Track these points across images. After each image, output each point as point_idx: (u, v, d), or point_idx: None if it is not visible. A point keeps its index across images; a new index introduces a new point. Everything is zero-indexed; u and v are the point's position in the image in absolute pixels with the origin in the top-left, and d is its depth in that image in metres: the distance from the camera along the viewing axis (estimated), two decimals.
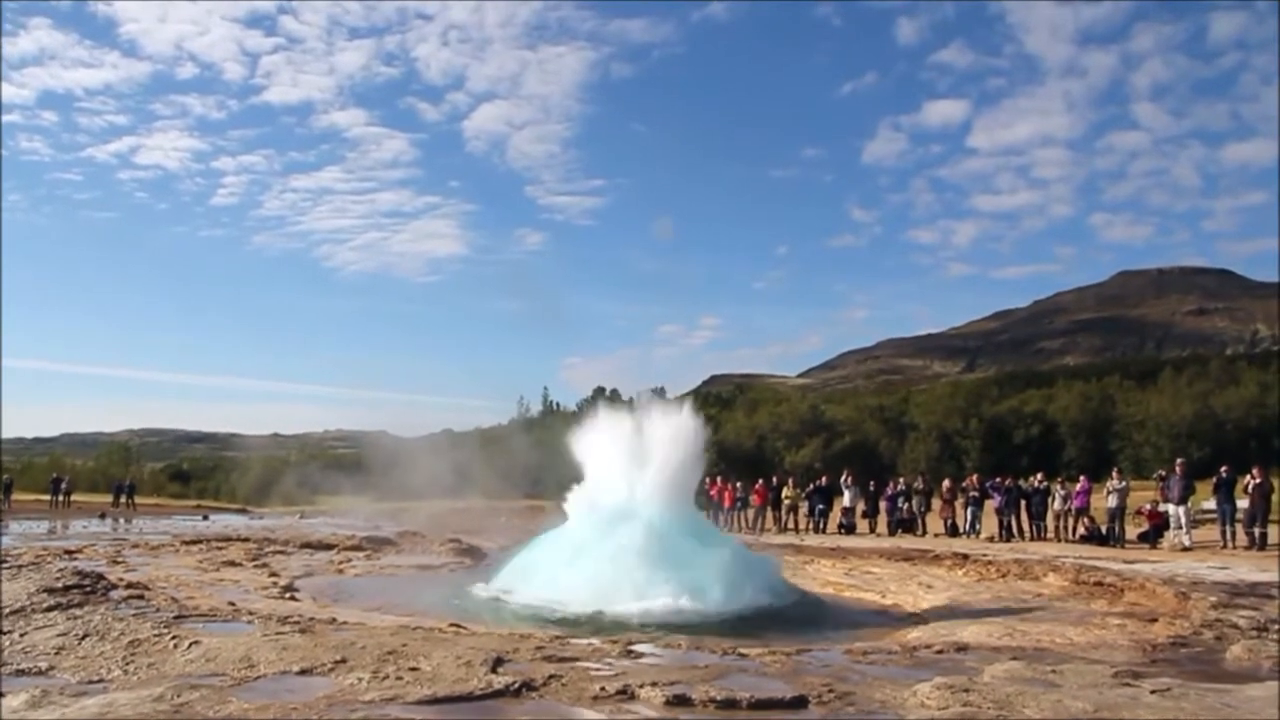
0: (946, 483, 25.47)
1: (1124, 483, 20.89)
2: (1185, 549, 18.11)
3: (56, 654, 6.73)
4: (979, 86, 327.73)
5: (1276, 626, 8.87)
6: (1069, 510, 21.54)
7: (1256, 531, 18.15)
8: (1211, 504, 23.10)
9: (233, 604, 10.01)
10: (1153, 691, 5.89)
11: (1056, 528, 21.59)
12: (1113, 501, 20.43)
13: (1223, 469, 19.45)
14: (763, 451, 58.94)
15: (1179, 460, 21.65)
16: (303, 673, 6.20)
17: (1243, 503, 19.03)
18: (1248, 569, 14.39)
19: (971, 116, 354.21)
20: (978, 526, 22.81)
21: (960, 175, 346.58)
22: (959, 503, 23.90)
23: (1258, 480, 18.55)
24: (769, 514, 26.73)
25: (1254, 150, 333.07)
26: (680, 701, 5.48)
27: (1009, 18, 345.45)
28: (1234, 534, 18.70)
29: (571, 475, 14.09)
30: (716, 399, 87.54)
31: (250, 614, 8.87)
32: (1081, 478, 22.90)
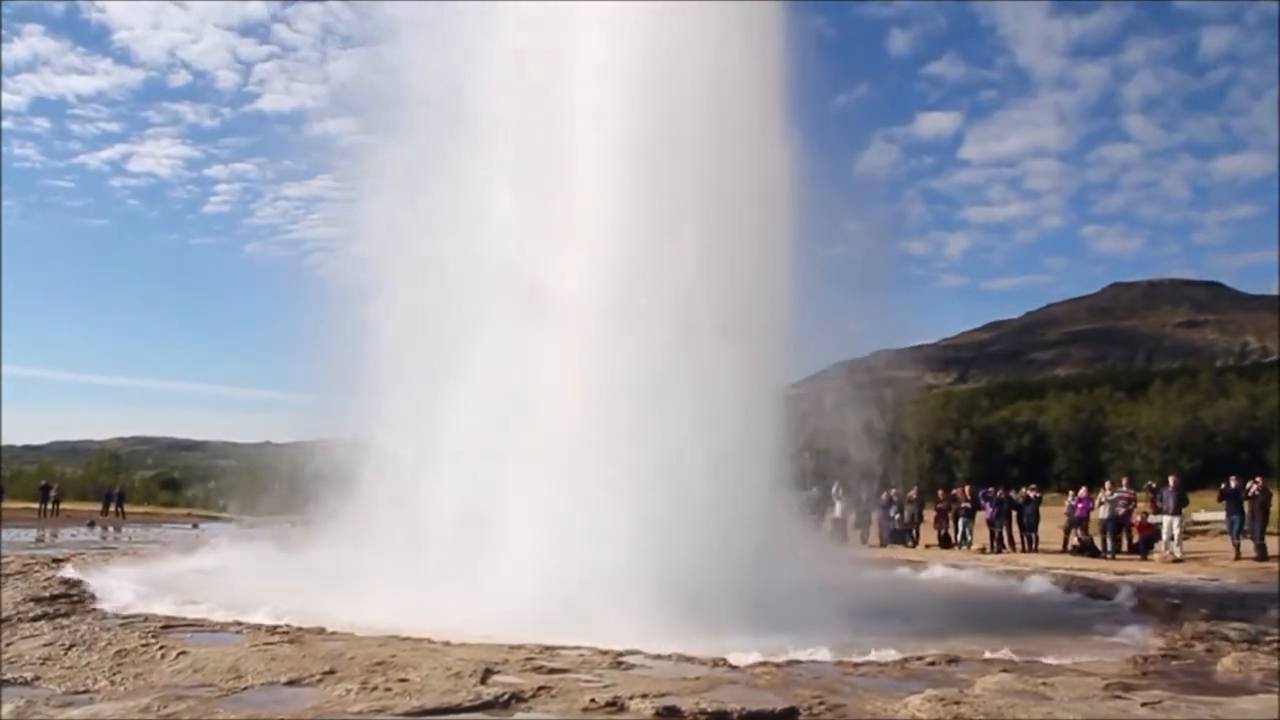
0: (941, 493, 25.40)
1: (1116, 493, 20.76)
2: (1176, 560, 18.12)
3: (42, 664, 6.67)
4: (971, 98, 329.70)
5: (1268, 638, 8.88)
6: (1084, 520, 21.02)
7: (1254, 543, 18.11)
8: (1202, 515, 23.20)
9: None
10: (1144, 704, 5.89)
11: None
12: (1104, 513, 20.40)
13: (1231, 480, 19.24)
14: None
15: (1171, 472, 21.66)
16: (291, 683, 6.17)
17: None
18: (1238, 581, 14.43)
19: (963, 128, 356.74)
20: (969, 537, 22.80)
21: (952, 186, 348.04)
22: (950, 513, 23.87)
23: (1259, 487, 18.50)
24: None
25: (1244, 163, 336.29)
26: (670, 713, 5.45)
27: (1001, 30, 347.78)
28: (1241, 545, 18.53)
29: None
30: None
31: (238, 624, 8.81)
32: (1082, 489, 22.78)
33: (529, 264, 11.75)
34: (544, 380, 11.34)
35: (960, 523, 23.11)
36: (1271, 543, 18.44)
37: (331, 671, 6.39)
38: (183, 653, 7.01)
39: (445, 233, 13.08)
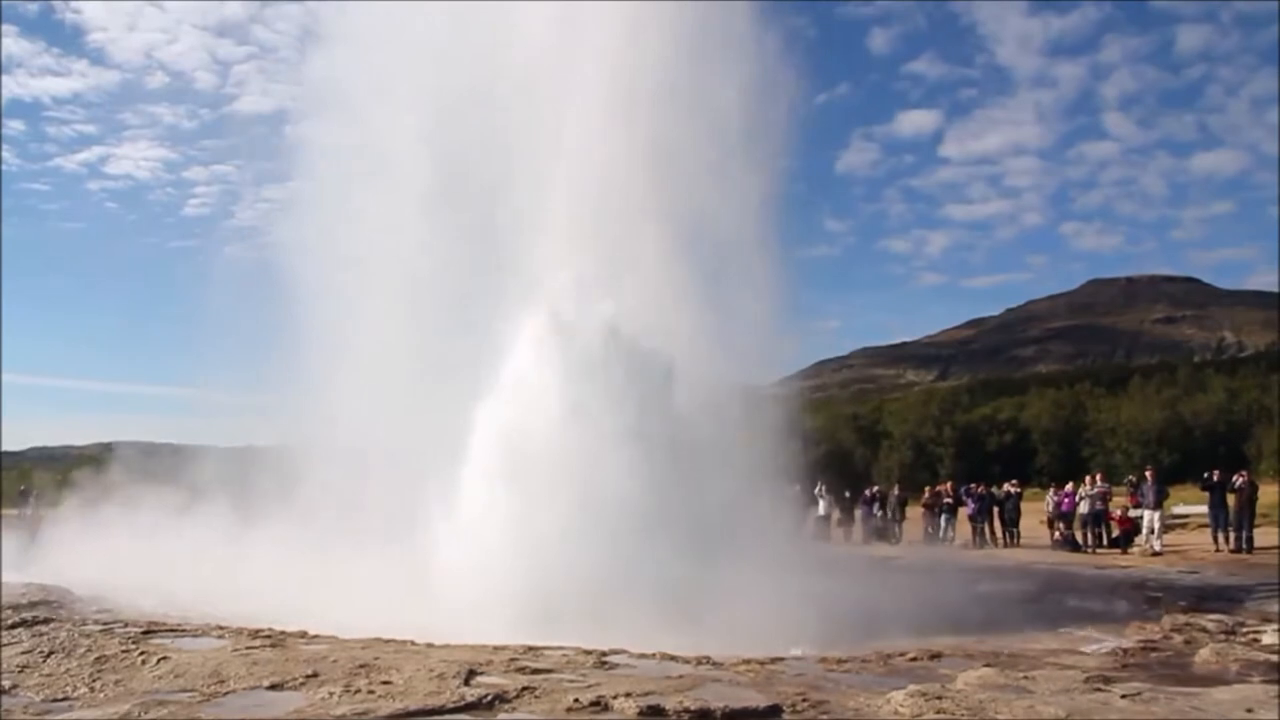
0: (927, 491, 25.45)
1: (1096, 489, 20.88)
2: (1155, 554, 18.26)
3: (20, 672, 6.61)
4: (951, 97, 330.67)
5: (1245, 630, 8.98)
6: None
7: (1243, 534, 18.23)
8: (1181, 509, 23.40)
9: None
10: (1123, 696, 5.94)
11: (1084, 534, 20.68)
12: (1084, 507, 20.55)
13: (1215, 473, 19.36)
14: None
15: (1148, 467, 21.82)
16: (273, 688, 6.13)
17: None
18: (1216, 573, 14.56)
19: (943, 126, 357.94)
20: (951, 534, 22.91)
21: (933, 185, 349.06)
22: (934, 510, 23.95)
23: (1244, 480, 18.61)
24: None
25: (1220, 160, 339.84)
26: (654, 712, 5.46)
27: (980, 29, 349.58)
28: (1227, 538, 18.68)
29: None
30: None
31: (220, 628, 8.75)
32: (1068, 484, 22.90)
33: (520, 265, 11.79)
34: (535, 379, 11.30)
35: (943, 519, 23.22)
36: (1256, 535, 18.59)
37: (314, 675, 6.36)
38: (163, 658, 6.96)
39: (430, 233, 13.11)
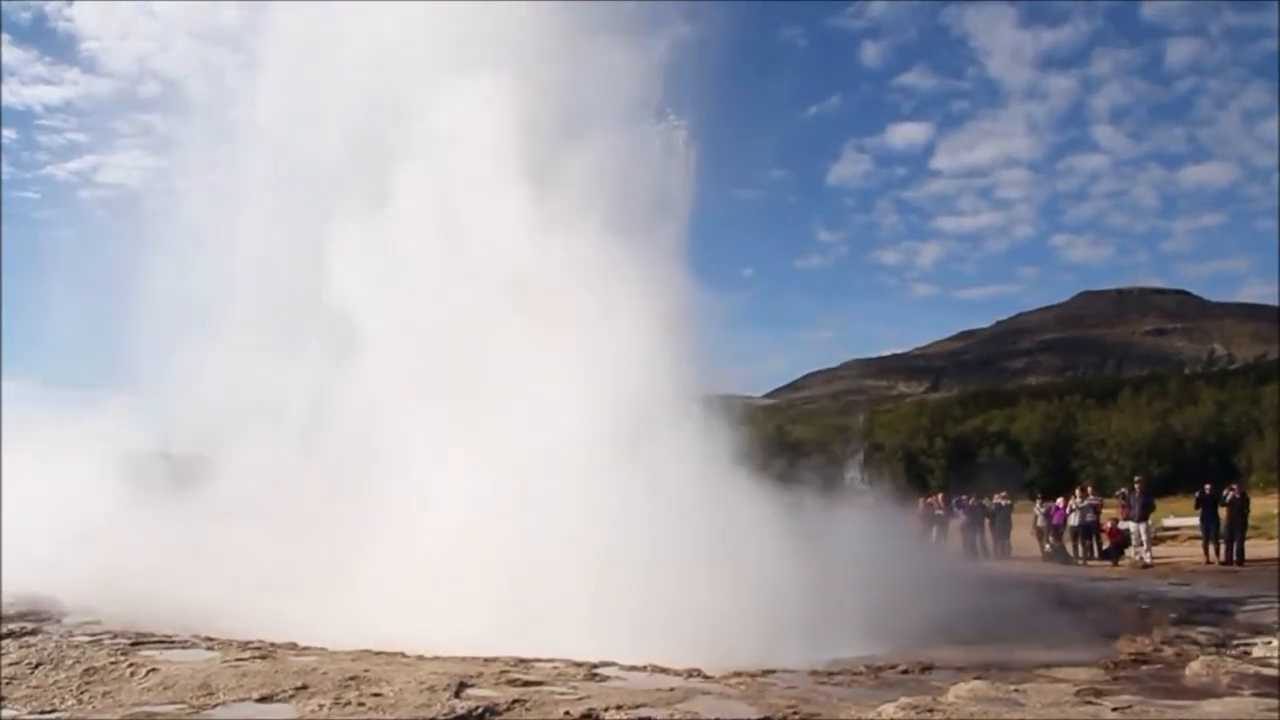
0: (921, 503, 25.44)
1: (1087, 501, 20.92)
2: (1146, 566, 18.30)
3: (7, 684, 6.56)
4: (942, 109, 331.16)
5: (1235, 642, 9.00)
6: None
7: (1234, 546, 18.25)
8: (1171, 521, 23.47)
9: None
10: (1114, 709, 5.95)
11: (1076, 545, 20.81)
12: (1074, 520, 20.58)
13: (1206, 486, 19.45)
14: None
15: (1137, 478, 21.88)
16: (263, 700, 6.10)
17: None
18: (1207, 586, 14.59)
19: (935, 139, 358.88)
20: (942, 545, 22.88)
21: (924, 197, 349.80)
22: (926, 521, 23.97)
23: (1235, 494, 18.65)
24: None
25: (1210, 172, 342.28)
26: None
27: (971, 42, 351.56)
28: (1218, 550, 18.71)
29: None
30: None
31: (209, 639, 8.70)
32: (1058, 499, 22.93)
33: (517, 264, 11.84)
34: (546, 384, 11.26)
35: (934, 530, 23.22)
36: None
37: (304, 687, 6.33)
38: (152, 670, 6.91)
39: (428, 236, 13.13)
